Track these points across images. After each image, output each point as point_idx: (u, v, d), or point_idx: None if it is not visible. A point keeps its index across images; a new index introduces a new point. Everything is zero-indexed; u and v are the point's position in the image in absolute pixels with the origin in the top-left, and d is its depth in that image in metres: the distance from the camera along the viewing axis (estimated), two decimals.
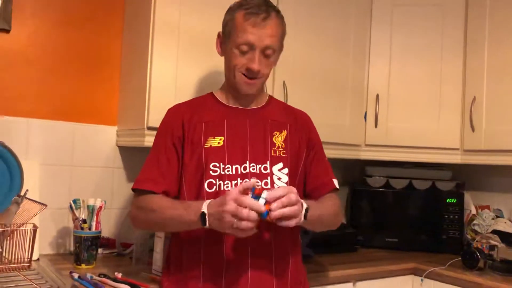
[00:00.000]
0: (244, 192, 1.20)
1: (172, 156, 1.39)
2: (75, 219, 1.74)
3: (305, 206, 1.27)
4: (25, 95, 1.84)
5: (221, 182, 1.35)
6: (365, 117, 2.32)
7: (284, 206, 1.19)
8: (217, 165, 1.36)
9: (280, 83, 2.03)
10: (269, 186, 1.36)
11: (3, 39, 1.79)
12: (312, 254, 2.01)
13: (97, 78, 1.99)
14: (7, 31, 1.79)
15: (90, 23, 1.97)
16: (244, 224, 1.16)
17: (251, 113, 1.46)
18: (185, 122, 1.41)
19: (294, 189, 1.24)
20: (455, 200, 2.34)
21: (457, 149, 2.25)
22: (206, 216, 1.21)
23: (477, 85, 2.19)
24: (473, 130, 2.18)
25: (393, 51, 2.32)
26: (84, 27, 1.96)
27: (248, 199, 1.17)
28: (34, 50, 1.86)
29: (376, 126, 2.30)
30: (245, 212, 1.15)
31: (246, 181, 1.33)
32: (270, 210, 1.18)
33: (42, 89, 1.88)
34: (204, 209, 1.22)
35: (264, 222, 1.21)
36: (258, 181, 1.33)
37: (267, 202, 1.19)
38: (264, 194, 1.19)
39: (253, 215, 1.16)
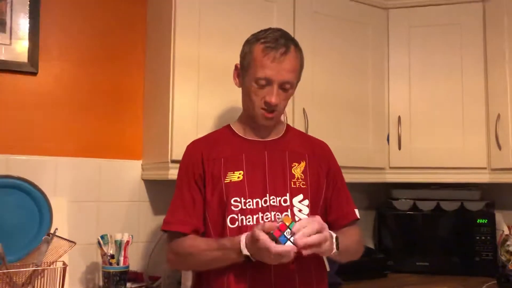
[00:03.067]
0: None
1: (197, 194, 1.41)
2: (103, 254, 1.77)
3: (334, 235, 1.26)
4: (53, 135, 1.90)
5: (243, 217, 1.35)
6: (387, 139, 2.30)
7: (308, 235, 1.19)
8: (238, 199, 1.37)
9: (300, 110, 2.04)
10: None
11: (31, 81, 1.87)
12: (341, 282, 1.97)
13: (121, 114, 2.04)
14: (35, 73, 1.87)
15: (113, 62, 2.03)
16: (280, 257, 1.18)
17: (269, 145, 1.46)
18: (204, 159, 1.42)
19: (318, 217, 1.25)
20: (486, 220, 2.27)
21: (485, 168, 2.20)
22: (251, 257, 1.25)
23: (501, 103, 2.16)
24: (499, 148, 2.14)
25: (412, 72, 2.31)
26: (108, 65, 2.02)
27: (267, 243, 1.17)
28: (60, 91, 1.93)
29: (399, 148, 2.28)
30: (274, 249, 1.16)
31: (267, 214, 1.34)
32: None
33: (69, 128, 1.93)
34: (245, 251, 1.25)
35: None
36: (279, 214, 1.34)
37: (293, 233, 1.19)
38: (291, 226, 1.20)
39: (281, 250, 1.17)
